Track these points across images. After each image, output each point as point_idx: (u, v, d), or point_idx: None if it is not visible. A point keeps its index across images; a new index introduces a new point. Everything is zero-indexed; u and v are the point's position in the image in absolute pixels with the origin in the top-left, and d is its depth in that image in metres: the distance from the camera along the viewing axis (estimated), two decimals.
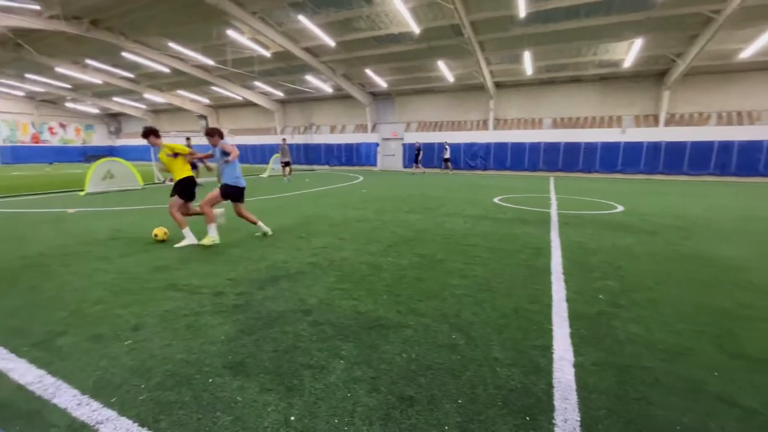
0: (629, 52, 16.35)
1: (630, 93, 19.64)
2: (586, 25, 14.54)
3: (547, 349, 2.38)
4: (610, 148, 19.50)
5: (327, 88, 24.88)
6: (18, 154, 32.26)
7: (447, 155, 21.59)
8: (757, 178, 17.10)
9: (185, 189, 5.03)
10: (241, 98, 27.55)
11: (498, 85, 21.84)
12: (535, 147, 21.05)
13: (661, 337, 2.56)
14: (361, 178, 17.11)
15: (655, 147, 18.72)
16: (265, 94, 27.68)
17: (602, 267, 4.09)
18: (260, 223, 5.35)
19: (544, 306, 3.06)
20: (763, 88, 17.29)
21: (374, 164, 25.70)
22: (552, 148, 20.68)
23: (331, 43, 17.31)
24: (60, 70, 23.87)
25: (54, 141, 35.38)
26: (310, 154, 27.86)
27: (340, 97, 26.10)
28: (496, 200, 9.59)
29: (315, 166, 27.15)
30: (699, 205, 9.08)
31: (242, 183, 5.09)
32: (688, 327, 2.71)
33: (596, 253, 4.61)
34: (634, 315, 2.90)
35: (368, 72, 21.37)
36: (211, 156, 5.26)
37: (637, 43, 15.42)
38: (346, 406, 1.83)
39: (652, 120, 19.24)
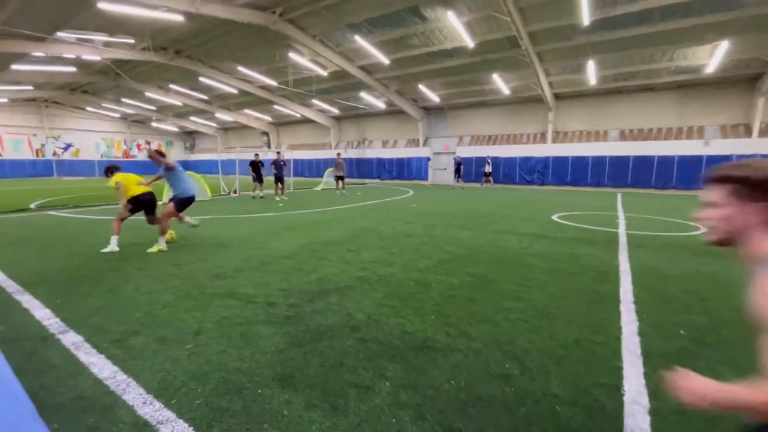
0: (712, 57, 14.74)
1: (714, 101, 17.61)
2: (661, 30, 13.39)
3: (615, 390, 2.13)
4: (690, 161, 17.53)
5: (380, 104, 25.48)
6: None
7: (489, 169, 20.97)
8: None
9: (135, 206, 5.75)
10: (299, 115, 29.19)
11: (557, 97, 20.82)
12: (599, 161, 19.61)
13: None
14: (412, 192, 17.11)
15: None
16: (321, 111, 29.06)
17: (683, 297, 3.62)
18: (187, 218, 6.01)
19: (612, 338, 2.76)
20: None
21: (425, 178, 25.63)
22: (619, 161, 19.11)
23: (385, 60, 17.77)
24: (148, 94, 27.18)
25: (140, 156, 40.04)
26: (362, 168, 28.55)
27: (393, 112, 26.56)
28: (554, 217, 9.01)
29: (366, 180, 27.73)
30: None
31: (189, 192, 5.73)
32: None
33: (675, 281, 4.10)
34: (725, 356, 2.51)
35: (421, 87, 21.56)
36: (160, 178, 5.99)
37: (723, 46, 13.84)
38: (391, 431, 1.77)
39: (743, 130, 17.04)
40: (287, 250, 5.44)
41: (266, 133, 34.85)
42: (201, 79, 22.78)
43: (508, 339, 2.73)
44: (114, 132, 38.29)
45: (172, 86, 26.17)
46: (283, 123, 34.18)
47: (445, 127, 25.71)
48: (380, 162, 27.67)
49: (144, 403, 2.01)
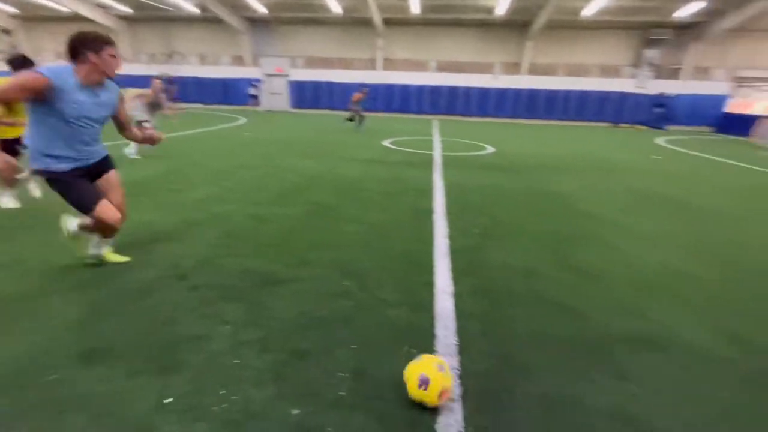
0: (500, 1, 17.40)
1: (500, 41, 21.33)
2: None
3: (430, 284, 2.60)
4: (484, 93, 21.37)
5: (190, 7, 20.60)
6: None
7: (254, 92, 22.10)
8: (586, 122, 21.19)
9: None
10: (66, 9, 20.89)
11: (387, 23, 21.20)
12: (421, 90, 21.75)
13: (518, 262, 3.03)
14: (244, 120, 15.40)
15: (517, 93, 21.24)
16: (101, 6, 21.55)
17: (477, 204, 4.59)
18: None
19: (428, 244, 3.31)
20: (598, 45, 20.78)
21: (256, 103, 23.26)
22: (436, 91, 21.66)
23: None
24: None
25: None
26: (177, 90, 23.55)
27: (209, 20, 22.04)
28: (385, 143, 9.75)
29: (184, 104, 23.23)
30: (554, 146, 10.79)
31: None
32: (537, 250, 3.27)
33: (473, 192, 5.14)
34: (500, 244, 3.36)
35: None
36: None
37: None
38: (234, 373, 1.71)
39: (515, 68, 21.53)
40: None
41: (7, 31, 24.00)
42: None
43: (348, 260, 2.94)
44: None
45: None
46: (36, 18, 23.98)
47: (276, 46, 23.20)
48: (200, 82, 23.34)
49: None
